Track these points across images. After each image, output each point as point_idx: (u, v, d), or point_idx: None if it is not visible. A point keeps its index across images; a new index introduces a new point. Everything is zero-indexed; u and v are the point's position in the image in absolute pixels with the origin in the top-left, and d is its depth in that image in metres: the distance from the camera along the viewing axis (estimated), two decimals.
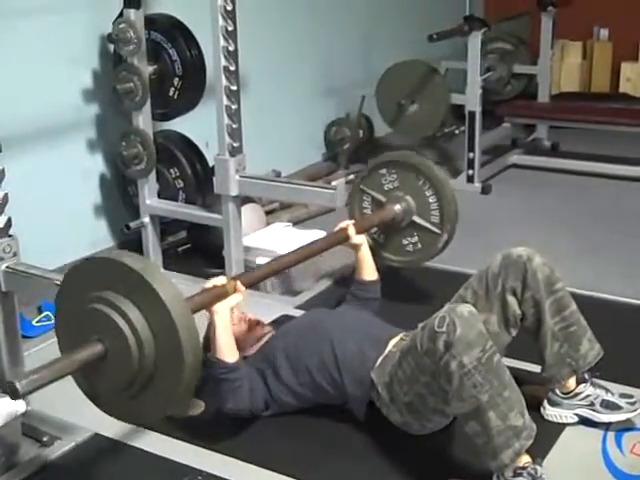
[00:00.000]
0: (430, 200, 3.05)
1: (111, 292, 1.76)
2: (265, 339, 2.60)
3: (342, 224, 2.89)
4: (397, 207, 3.08)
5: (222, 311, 2.24)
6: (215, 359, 2.27)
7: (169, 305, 1.70)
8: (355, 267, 2.90)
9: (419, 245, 3.13)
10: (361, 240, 2.86)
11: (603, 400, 2.38)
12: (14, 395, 1.66)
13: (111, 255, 1.82)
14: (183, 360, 1.71)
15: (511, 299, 2.40)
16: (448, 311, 2.08)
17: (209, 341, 2.29)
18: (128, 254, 1.81)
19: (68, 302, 1.88)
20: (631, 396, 2.41)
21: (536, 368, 2.47)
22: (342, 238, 2.85)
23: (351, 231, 2.83)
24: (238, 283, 2.29)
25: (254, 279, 2.53)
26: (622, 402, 2.38)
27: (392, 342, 2.39)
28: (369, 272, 2.86)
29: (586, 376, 2.42)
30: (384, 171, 3.12)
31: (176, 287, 1.76)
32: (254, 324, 2.65)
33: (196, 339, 1.75)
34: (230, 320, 2.29)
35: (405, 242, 3.15)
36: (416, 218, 3.08)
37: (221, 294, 2.24)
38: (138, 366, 1.75)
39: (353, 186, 3.24)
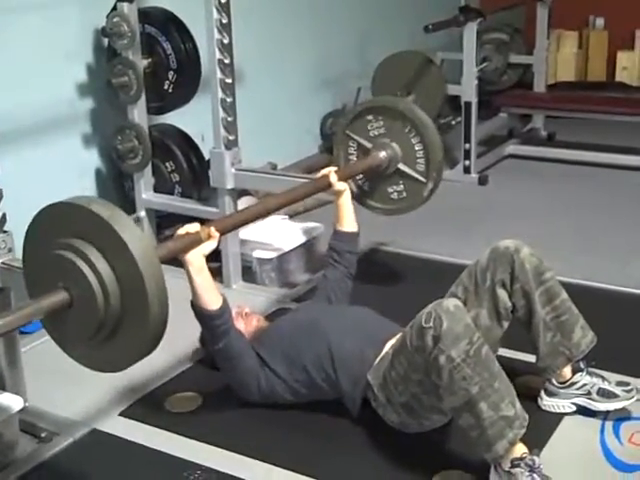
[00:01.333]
0: (416, 148, 3.03)
1: (77, 239, 1.72)
2: (260, 333, 2.58)
3: (324, 170, 2.86)
4: (382, 154, 3.04)
5: (195, 260, 2.20)
6: (197, 308, 2.25)
7: (135, 252, 1.67)
8: (335, 217, 2.86)
9: (404, 193, 3.11)
10: (343, 187, 2.83)
11: (600, 389, 2.38)
12: None
13: (78, 201, 1.76)
14: (149, 308, 1.69)
15: (501, 292, 2.39)
16: (434, 306, 2.08)
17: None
18: (95, 200, 1.77)
19: (35, 248, 1.85)
20: (627, 384, 2.41)
21: (532, 358, 2.46)
22: (324, 184, 2.81)
23: (333, 178, 2.80)
24: (212, 229, 2.24)
25: (229, 225, 2.46)
26: (618, 390, 2.38)
27: (390, 342, 2.37)
28: (348, 222, 2.84)
29: (582, 365, 2.42)
30: (370, 117, 3.08)
31: (144, 234, 1.73)
32: (251, 318, 2.65)
33: (163, 287, 1.72)
34: (205, 267, 2.23)
35: (390, 190, 3.12)
36: (402, 166, 3.06)
37: (194, 241, 2.19)
38: (104, 314, 1.72)
39: (338, 131, 3.20)
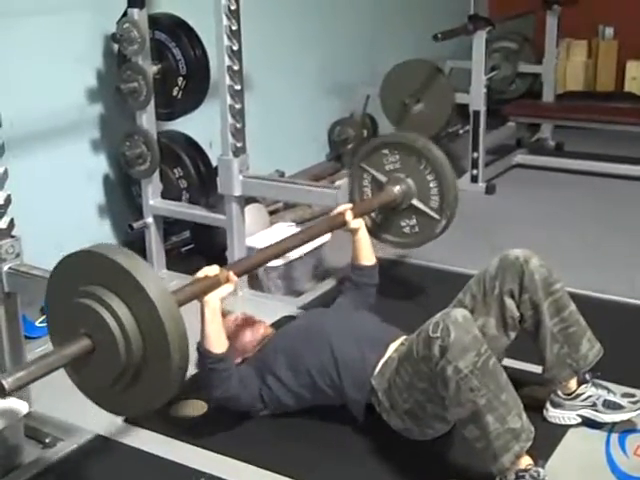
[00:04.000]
0: (431, 185, 3.03)
1: (97, 286, 1.75)
2: (267, 340, 2.59)
3: (340, 208, 2.87)
4: (397, 189, 3.05)
5: (212, 302, 2.21)
6: (203, 349, 2.25)
7: (154, 298, 1.69)
8: (352, 251, 2.87)
9: (417, 228, 3.11)
10: (358, 224, 2.84)
11: (605, 400, 2.38)
12: (1, 393, 1.64)
13: (96, 249, 1.79)
14: (170, 353, 1.71)
15: (509, 301, 2.39)
16: (442, 316, 2.08)
17: None
18: (113, 248, 1.81)
19: (57, 296, 1.87)
20: (633, 395, 2.40)
21: (538, 369, 2.46)
22: (339, 223, 2.83)
23: (348, 216, 2.81)
24: (230, 273, 2.26)
25: (247, 267, 2.48)
26: (624, 401, 2.37)
27: (393, 346, 2.38)
28: (366, 256, 2.84)
29: (587, 377, 2.41)
30: (386, 151, 3.09)
31: (161, 280, 1.75)
32: (256, 325, 2.65)
33: (183, 331, 1.74)
34: (220, 310, 2.24)
35: (403, 224, 3.13)
36: (415, 202, 3.06)
37: (212, 284, 2.21)
38: (126, 360, 1.74)
39: (354, 163, 3.22)
